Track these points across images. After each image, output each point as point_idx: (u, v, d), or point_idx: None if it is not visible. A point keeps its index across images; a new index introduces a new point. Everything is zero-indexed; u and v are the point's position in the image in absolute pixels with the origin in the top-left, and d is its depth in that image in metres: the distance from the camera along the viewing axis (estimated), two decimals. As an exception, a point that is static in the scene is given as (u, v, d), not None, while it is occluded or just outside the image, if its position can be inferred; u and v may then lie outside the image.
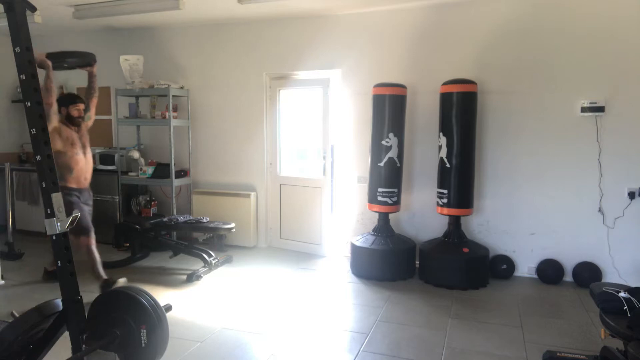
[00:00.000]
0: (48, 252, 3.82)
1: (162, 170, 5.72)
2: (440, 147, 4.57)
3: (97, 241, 5.82)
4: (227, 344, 3.28)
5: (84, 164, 4.19)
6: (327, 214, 5.40)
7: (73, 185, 4.14)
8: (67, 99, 4.17)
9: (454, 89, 4.43)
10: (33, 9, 2.29)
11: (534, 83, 4.55)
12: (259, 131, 5.66)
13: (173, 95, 5.60)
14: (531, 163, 4.61)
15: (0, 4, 2.20)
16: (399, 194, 4.74)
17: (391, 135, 4.62)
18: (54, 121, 3.97)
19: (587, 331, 3.48)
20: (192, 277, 4.54)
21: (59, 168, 3.89)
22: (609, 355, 2.69)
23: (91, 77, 4.34)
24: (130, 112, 5.85)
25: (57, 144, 3.98)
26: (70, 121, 4.14)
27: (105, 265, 4.90)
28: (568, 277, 4.54)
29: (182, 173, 5.80)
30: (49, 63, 3.95)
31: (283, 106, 5.63)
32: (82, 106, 4.21)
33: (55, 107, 3.99)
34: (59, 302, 2.34)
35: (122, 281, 4.06)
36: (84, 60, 4.26)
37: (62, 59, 4.17)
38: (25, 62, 2.19)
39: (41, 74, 4.01)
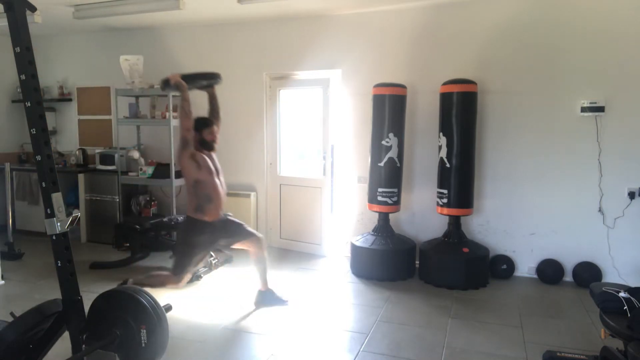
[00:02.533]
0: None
1: (162, 170, 5.72)
2: (440, 147, 4.56)
3: (97, 241, 5.89)
4: (227, 344, 3.28)
5: (222, 192, 3.84)
6: (327, 214, 5.40)
7: (211, 218, 3.71)
8: (200, 123, 3.77)
9: (454, 89, 4.43)
10: (33, 9, 2.29)
11: (534, 83, 4.55)
12: (259, 131, 5.66)
13: (173, 95, 5.59)
14: (531, 163, 4.61)
15: (0, 4, 2.20)
16: (399, 194, 4.74)
17: (391, 135, 4.62)
18: (191, 147, 3.67)
19: (587, 331, 3.48)
20: (192, 277, 4.53)
21: (198, 199, 3.67)
22: (609, 355, 2.69)
23: (213, 98, 4.04)
24: (130, 112, 5.85)
25: (195, 172, 3.68)
26: (204, 146, 3.77)
27: (105, 266, 4.93)
28: (568, 277, 4.54)
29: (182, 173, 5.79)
30: (185, 85, 3.71)
31: (283, 106, 5.63)
32: (215, 129, 3.87)
33: (192, 133, 3.68)
34: (59, 302, 2.34)
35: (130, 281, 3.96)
36: (213, 81, 4.01)
37: (196, 80, 3.92)
38: (25, 62, 2.19)
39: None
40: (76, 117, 6.62)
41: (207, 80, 3.98)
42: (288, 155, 5.76)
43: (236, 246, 3.91)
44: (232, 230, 3.85)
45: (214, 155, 3.87)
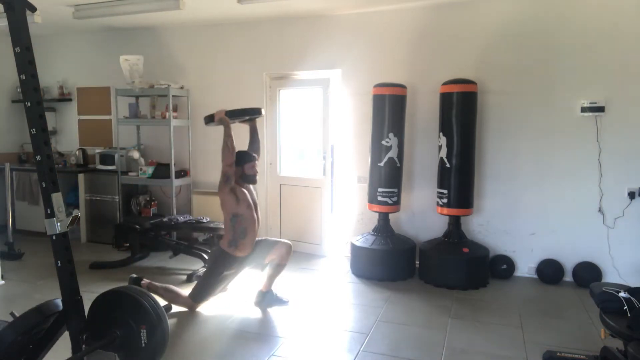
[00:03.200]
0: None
1: (162, 170, 5.72)
2: (440, 147, 4.56)
3: (97, 241, 5.89)
4: (227, 344, 3.28)
5: (257, 227, 3.86)
6: (327, 214, 5.40)
7: (243, 254, 3.78)
8: (242, 157, 3.78)
9: (454, 89, 4.43)
10: (33, 9, 2.29)
11: (534, 83, 4.55)
12: (259, 131, 5.64)
13: (173, 95, 5.60)
14: (531, 163, 4.61)
15: (0, 4, 2.20)
16: (399, 194, 4.74)
17: (391, 135, 4.62)
18: (232, 182, 3.69)
19: (587, 331, 3.48)
20: (192, 277, 4.53)
21: (234, 233, 3.70)
22: (609, 355, 2.69)
23: (255, 131, 4.09)
24: (130, 112, 5.85)
25: (234, 206, 3.69)
26: (245, 180, 3.80)
27: (105, 266, 4.93)
28: (568, 277, 4.54)
29: (182, 173, 5.80)
30: (229, 121, 3.76)
31: (283, 106, 5.63)
32: (257, 163, 3.88)
33: (233, 168, 3.70)
34: (59, 302, 2.34)
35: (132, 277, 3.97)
36: (256, 115, 4.05)
37: (240, 116, 3.98)
38: (25, 62, 2.19)
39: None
40: (76, 117, 6.62)
41: (250, 116, 4.00)
42: (288, 155, 5.76)
43: (267, 260, 3.91)
44: (257, 252, 3.88)
45: (252, 188, 3.92)
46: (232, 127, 3.81)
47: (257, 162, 3.89)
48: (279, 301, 3.95)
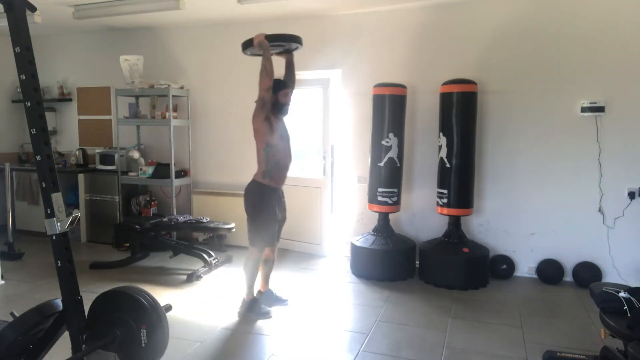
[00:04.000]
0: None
1: (162, 170, 5.72)
2: (440, 147, 4.56)
3: (97, 241, 5.89)
4: (227, 344, 3.28)
5: (289, 160, 3.74)
6: (327, 214, 5.39)
7: (278, 185, 3.68)
8: (276, 84, 3.59)
9: (454, 89, 4.43)
10: (33, 9, 2.29)
11: (534, 83, 4.55)
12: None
13: (173, 95, 5.60)
14: (531, 163, 4.61)
15: (0, 4, 2.20)
16: (399, 194, 4.74)
17: (391, 135, 4.62)
18: (268, 108, 3.53)
19: (587, 331, 3.48)
20: (192, 277, 4.54)
21: (267, 164, 3.57)
22: (609, 355, 2.69)
23: (291, 64, 3.90)
24: (130, 112, 5.85)
25: (268, 135, 3.54)
26: (278, 108, 3.64)
27: (105, 266, 4.93)
28: (568, 277, 4.54)
29: (182, 173, 5.80)
30: (268, 45, 3.56)
31: (283, 106, 5.62)
32: (289, 91, 3.72)
33: (270, 93, 3.52)
34: (59, 302, 2.34)
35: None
36: (295, 45, 3.83)
37: (279, 41, 3.73)
38: (25, 62, 2.19)
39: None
40: (76, 117, 6.62)
41: (289, 42, 3.79)
42: (288, 155, 5.75)
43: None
44: (281, 213, 3.78)
45: (284, 121, 3.75)
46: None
47: (291, 92, 3.73)
48: (278, 300, 3.95)
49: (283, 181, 3.71)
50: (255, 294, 3.83)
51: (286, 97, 3.67)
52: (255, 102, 3.59)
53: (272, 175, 3.61)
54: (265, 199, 3.64)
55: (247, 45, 3.74)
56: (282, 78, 3.74)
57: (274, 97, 3.60)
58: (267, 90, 3.51)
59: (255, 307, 3.72)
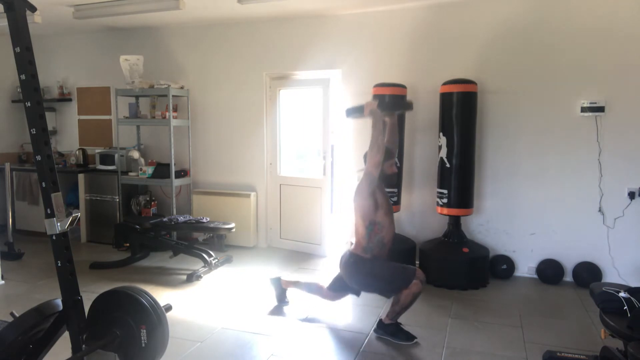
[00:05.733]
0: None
1: (162, 170, 5.72)
2: (440, 147, 4.56)
3: (97, 241, 5.89)
4: (227, 344, 3.28)
5: (394, 231, 3.39)
6: (327, 214, 5.40)
7: (372, 256, 3.29)
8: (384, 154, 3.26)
9: (454, 89, 4.43)
10: (33, 9, 2.29)
11: (534, 83, 4.55)
12: (259, 131, 5.66)
13: (173, 95, 5.60)
14: (531, 163, 4.61)
15: (0, 4, 2.20)
16: (399, 194, 4.74)
17: (391, 135, 4.61)
18: (373, 186, 3.20)
19: (587, 331, 3.48)
20: (192, 277, 4.53)
21: (369, 242, 3.23)
22: (609, 355, 2.69)
23: (397, 125, 3.59)
24: (130, 112, 5.85)
25: (372, 213, 3.21)
26: (384, 180, 3.31)
27: (105, 266, 4.93)
28: (568, 277, 4.54)
29: (182, 173, 5.80)
30: (381, 115, 3.33)
31: (283, 106, 5.63)
32: (396, 160, 3.43)
33: (380, 168, 3.18)
34: (59, 302, 2.34)
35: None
36: (407, 110, 3.55)
37: (392, 110, 3.52)
38: (25, 62, 2.19)
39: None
40: (76, 117, 6.62)
41: (403, 110, 3.48)
42: (288, 155, 5.76)
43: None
44: None
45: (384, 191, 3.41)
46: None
47: (397, 160, 3.41)
48: (283, 299, 3.92)
49: (387, 253, 3.34)
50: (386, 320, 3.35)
51: (392, 168, 3.34)
52: (358, 172, 3.26)
53: (374, 252, 3.28)
54: (375, 266, 3.27)
55: (354, 112, 3.49)
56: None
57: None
58: (377, 166, 3.17)
59: (398, 333, 3.32)
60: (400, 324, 3.35)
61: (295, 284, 3.86)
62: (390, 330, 3.31)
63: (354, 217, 3.38)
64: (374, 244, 3.26)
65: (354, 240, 3.39)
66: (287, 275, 3.92)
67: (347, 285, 3.46)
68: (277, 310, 3.85)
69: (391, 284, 3.26)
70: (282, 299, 3.92)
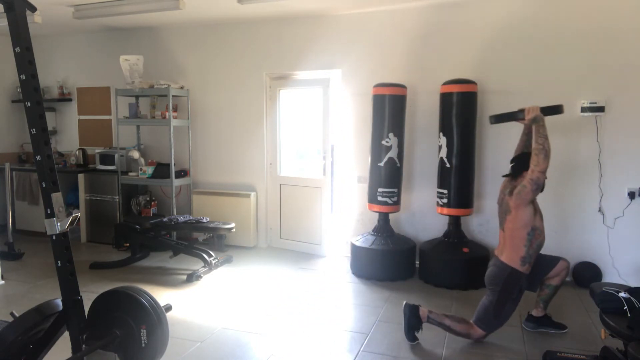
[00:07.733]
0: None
1: (162, 170, 5.72)
2: (440, 147, 4.56)
3: (97, 241, 5.89)
4: (227, 344, 3.28)
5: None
6: (327, 214, 5.40)
7: (529, 271, 3.26)
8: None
9: (454, 89, 4.43)
10: (33, 9, 2.29)
11: (534, 83, 4.54)
12: (259, 131, 5.66)
13: (173, 95, 5.60)
14: (531, 163, 4.60)
15: (0, 4, 2.20)
16: (399, 194, 4.74)
17: (391, 135, 4.62)
18: (534, 193, 3.17)
19: (587, 331, 3.48)
20: (192, 277, 4.54)
21: (529, 249, 3.20)
22: (609, 355, 2.69)
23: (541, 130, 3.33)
24: (130, 112, 5.85)
25: (531, 219, 3.22)
26: (542, 188, 3.23)
27: (105, 266, 4.93)
28: (568, 277, 4.52)
29: (182, 173, 5.80)
30: (543, 118, 3.25)
31: (283, 106, 5.63)
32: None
33: (544, 175, 3.14)
34: (59, 302, 2.34)
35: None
36: (558, 114, 3.46)
37: (552, 114, 3.40)
38: (25, 62, 2.19)
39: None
40: (76, 117, 6.62)
41: (556, 113, 3.47)
42: (288, 155, 5.76)
43: (547, 281, 3.46)
44: (535, 270, 3.36)
45: None
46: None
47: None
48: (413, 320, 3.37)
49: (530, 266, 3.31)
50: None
51: (544, 174, 3.23)
52: (521, 183, 3.22)
53: (531, 261, 3.26)
54: (514, 288, 3.24)
55: (506, 118, 3.45)
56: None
57: None
58: (544, 172, 3.13)
59: (551, 324, 3.47)
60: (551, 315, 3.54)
61: (440, 317, 3.33)
62: (543, 322, 3.51)
63: (506, 226, 3.37)
64: (534, 250, 3.26)
65: (502, 252, 3.37)
66: (428, 305, 3.58)
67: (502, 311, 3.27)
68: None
69: (490, 305, 3.26)
70: (412, 332, 3.31)
